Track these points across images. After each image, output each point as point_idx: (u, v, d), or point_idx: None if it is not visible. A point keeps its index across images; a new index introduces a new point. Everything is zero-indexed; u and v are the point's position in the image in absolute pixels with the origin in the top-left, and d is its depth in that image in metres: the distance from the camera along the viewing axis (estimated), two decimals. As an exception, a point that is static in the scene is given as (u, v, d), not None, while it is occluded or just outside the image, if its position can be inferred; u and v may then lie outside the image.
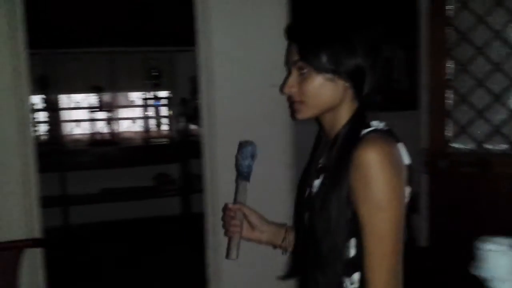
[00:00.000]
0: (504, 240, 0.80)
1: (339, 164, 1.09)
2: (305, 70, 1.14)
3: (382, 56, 1.17)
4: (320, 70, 1.12)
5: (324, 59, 1.12)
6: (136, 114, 5.62)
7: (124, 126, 5.58)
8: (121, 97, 5.57)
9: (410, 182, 1.12)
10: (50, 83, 5.05)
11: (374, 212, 1.03)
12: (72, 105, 5.42)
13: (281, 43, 2.28)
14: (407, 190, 1.11)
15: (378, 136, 1.09)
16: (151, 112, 5.61)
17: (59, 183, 4.88)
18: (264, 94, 2.24)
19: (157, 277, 3.91)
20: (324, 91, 1.14)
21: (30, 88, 2.14)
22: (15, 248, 1.94)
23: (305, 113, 1.17)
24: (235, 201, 1.36)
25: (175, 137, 5.50)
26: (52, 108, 5.25)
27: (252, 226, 1.37)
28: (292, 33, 1.20)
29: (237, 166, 1.37)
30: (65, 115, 5.40)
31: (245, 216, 1.36)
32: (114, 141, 5.38)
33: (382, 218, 1.03)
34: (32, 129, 2.18)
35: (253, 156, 1.36)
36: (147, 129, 5.58)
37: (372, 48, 1.14)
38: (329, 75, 1.13)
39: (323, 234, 1.10)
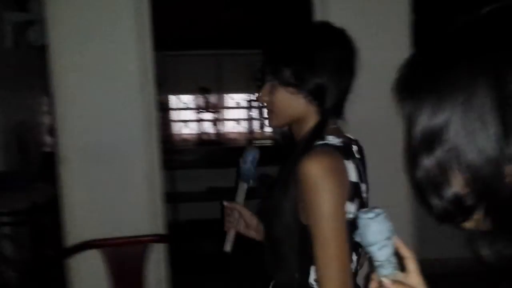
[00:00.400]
0: (378, 209, 0.88)
1: (287, 173, 1.16)
2: (273, 83, 1.24)
3: (349, 74, 1.23)
4: (283, 84, 1.21)
5: (287, 74, 1.20)
6: (241, 116, 5.72)
7: (229, 127, 5.70)
8: (226, 98, 5.69)
9: (353, 199, 1.15)
10: (160, 84, 5.27)
11: (317, 221, 1.09)
12: (181, 106, 5.64)
13: (405, 43, 2.20)
14: (351, 206, 1.15)
15: (324, 150, 1.14)
16: (255, 113, 5.68)
17: (169, 180, 5.08)
18: (386, 97, 2.14)
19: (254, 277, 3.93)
20: (288, 103, 1.22)
21: (155, 88, 2.23)
22: (143, 242, 2.02)
23: (274, 121, 1.27)
24: (235, 200, 1.49)
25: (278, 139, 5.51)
26: (163, 108, 5.48)
27: (247, 225, 1.48)
28: (264, 47, 1.29)
29: (239, 169, 1.50)
30: (174, 115, 5.62)
31: (240, 215, 1.47)
32: (219, 141, 5.51)
33: (324, 227, 1.08)
34: (157, 128, 2.27)
35: (253, 161, 1.47)
36: (251, 130, 5.65)
37: (336, 68, 1.20)
38: (292, 89, 1.21)
39: (281, 239, 1.18)
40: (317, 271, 1.11)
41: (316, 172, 1.08)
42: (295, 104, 1.22)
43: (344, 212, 1.11)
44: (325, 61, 1.19)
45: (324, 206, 1.08)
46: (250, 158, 1.47)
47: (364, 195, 1.23)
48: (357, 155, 1.24)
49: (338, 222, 1.10)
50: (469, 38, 0.60)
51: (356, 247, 1.19)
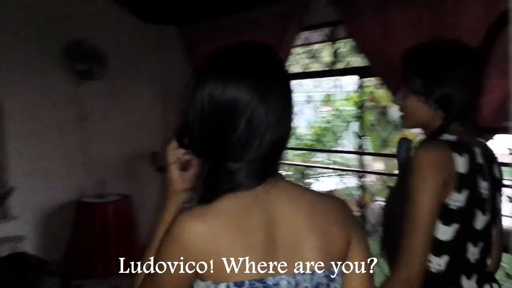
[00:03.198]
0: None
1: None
2: (406, 89, 1.40)
3: (476, 87, 1.36)
4: (414, 92, 1.38)
5: (418, 83, 1.37)
6: None
7: None
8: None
9: (460, 189, 1.27)
10: None
11: (411, 203, 1.26)
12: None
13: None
14: (458, 196, 1.28)
15: (432, 143, 1.32)
16: None
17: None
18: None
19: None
20: (417, 109, 1.39)
21: None
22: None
23: (405, 124, 1.47)
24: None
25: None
26: None
27: None
28: (404, 56, 1.44)
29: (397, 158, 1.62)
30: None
31: None
32: None
33: (412, 208, 1.26)
34: None
35: (408, 150, 1.54)
36: None
37: (462, 82, 1.33)
38: (421, 97, 1.37)
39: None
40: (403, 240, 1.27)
41: (416, 159, 1.27)
42: (423, 110, 1.38)
43: (433, 199, 1.26)
44: (453, 76, 1.33)
45: (414, 188, 1.26)
46: (404, 148, 1.55)
47: (482, 190, 1.33)
48: (479, 155, 1.35)
49: (425, 206, 1.25)
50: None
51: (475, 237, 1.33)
